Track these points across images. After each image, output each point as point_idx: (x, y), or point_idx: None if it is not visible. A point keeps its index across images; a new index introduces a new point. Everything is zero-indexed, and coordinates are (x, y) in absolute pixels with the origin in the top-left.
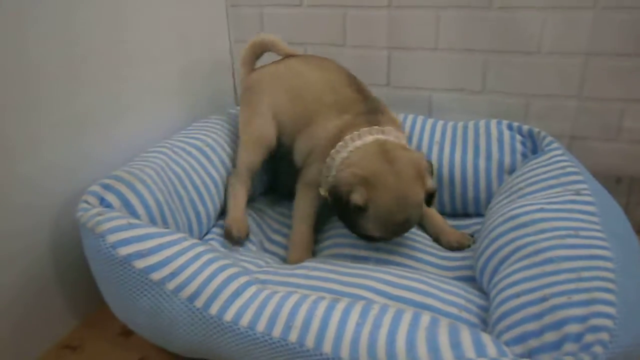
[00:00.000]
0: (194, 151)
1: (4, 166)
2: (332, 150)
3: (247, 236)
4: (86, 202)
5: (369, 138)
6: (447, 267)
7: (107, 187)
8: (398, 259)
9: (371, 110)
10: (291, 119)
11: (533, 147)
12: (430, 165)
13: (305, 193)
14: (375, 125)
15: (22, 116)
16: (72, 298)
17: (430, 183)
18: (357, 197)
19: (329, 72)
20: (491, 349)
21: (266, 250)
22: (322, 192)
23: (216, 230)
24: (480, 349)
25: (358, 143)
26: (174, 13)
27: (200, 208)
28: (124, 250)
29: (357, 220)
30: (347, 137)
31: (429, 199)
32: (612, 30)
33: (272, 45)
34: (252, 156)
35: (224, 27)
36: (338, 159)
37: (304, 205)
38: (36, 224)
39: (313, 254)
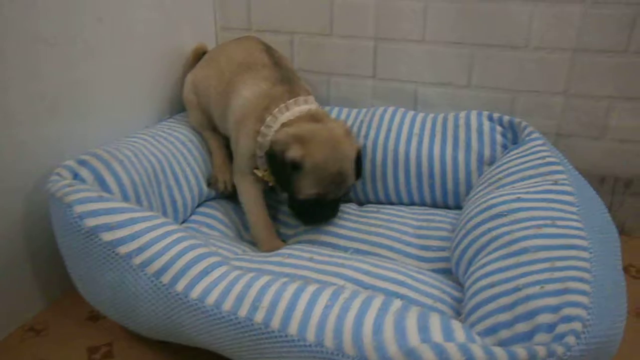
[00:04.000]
0: (176, 142)
1: None
2: (262, 127)
3: (232, 187)
4: (58, 174)
5: (297, 109)
6: (426, 259)
7: (82, 162)
8: (377, 249)
9: (286, 79)
10: (211, 84)
11: (514, 138)
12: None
13: (243, 182)
14: (295, 95)
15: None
16: (39, 282)
17: (360, 145)
18: (293, 153)
19: (247, 41)
20: (459, 335)
21: (243, 239)
22: (259, 173)
23: (194, 218)
24: (448, 333)
25: (288, 114)
26: None
27: (177, 196)
28: (91, 222)
29: (293, 181)
30: (275, 111)
31: (358, 161)
32: (601, 26)
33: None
34: (193, 117)
35: (210, 13)
36: (270, 134)
37: (247, 194)
38: (6, 204)
39: (293, 236)
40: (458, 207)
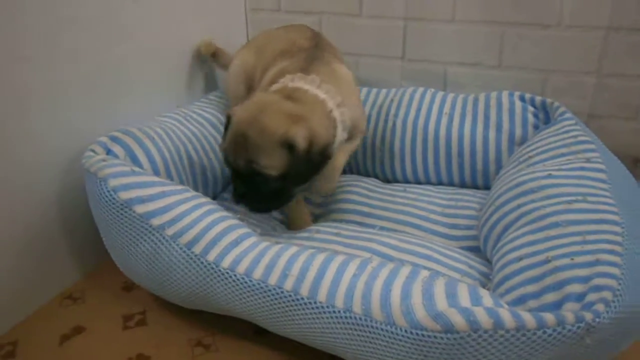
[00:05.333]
0: (206, 124)
1: (18, 122)
2: None
3: None
4: (92, 150)
5: (280, 85)
6: (454, 237)
7: (114, 139)
8: (404, 227)
9: (310, 58)
10: (254, 70)
11: (546, 118)
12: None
13: None
14: (307, 74)
15: (36, 74)
16: (76, 253)
17: (297, 134)
18: (227, 114)
19: (295, 30)
20: (487, 301)
21: (274, 218)
22: None
23: (224, 195)
24: (476, 299)
25: (273, 88)
26: None
27: (208, 174)
28: (125, 195)
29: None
30: (274, 85)
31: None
32: (636, 3)
33: None
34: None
35: None
36: None
37: None
38: (44, 180)
39: (320, 216)
40: (486, 187)
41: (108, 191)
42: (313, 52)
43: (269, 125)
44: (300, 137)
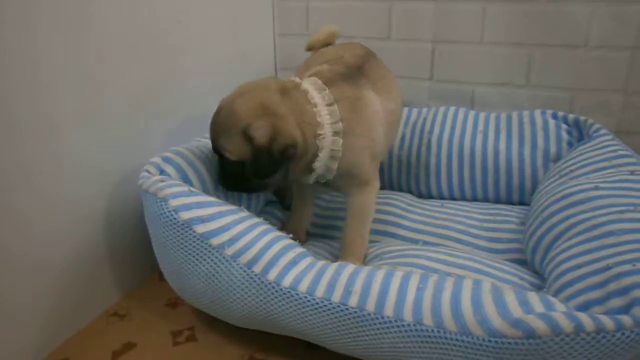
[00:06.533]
0: None
1: (66, 140)
2: None
3: None
4: (147, 171)
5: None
6: (496, 250)
7: (167, 159)
8: (445, 241)
9: (344, 76)
10: None
11: (579, 135)
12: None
13: None
14: (331, 88)
15: (92, 92)
16: (118, 271)
17: (260, 128)
18: None
19: (348, 46)
20: (560, 307)
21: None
22: None
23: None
24: (549, 305)
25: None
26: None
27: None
28: (185, 215)
29: None
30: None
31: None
32: None
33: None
34: None
35: (269, 19)
36: None
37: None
38: (92, 202)
39: None
40: (521, 203)
41: (169, 211)
42: (351, 71)
43: (238, 111)
44: (261, 132)
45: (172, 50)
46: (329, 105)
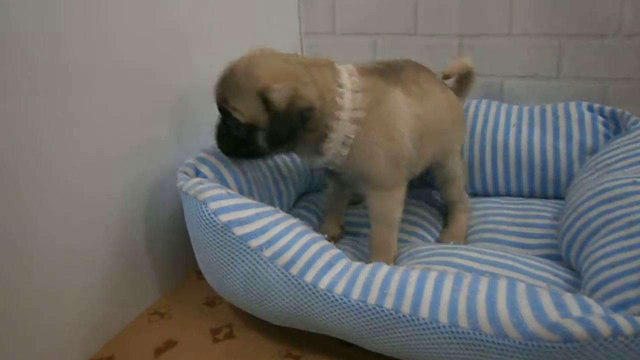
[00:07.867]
0: None
1: (112, 145)
2: None
3: None
4: (184, 172)
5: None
6: (529, 246)
7: (202, 160)
8: (476, 241)
9: (379, 71)
10: None
11: (616, 128)
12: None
13: None
14: (366, 77)
15: (134, 93)
16: (157, 271)
17: (279, 91)
18: None
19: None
20: (597, 310)
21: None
22: None
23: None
24: (586, 308)
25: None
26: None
27: (283, 188)
28: (225, 217)
29: None
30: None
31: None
32: None
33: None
34: None
35: (295, 19)
36: None
37: None
38: (131, 204)
39: None
40: (556, 197)
41: (209, 214)
42: (388, 68)
43: (257, 71)
44: (280, 94)
45: (198, 51)
46: (355, 92)
